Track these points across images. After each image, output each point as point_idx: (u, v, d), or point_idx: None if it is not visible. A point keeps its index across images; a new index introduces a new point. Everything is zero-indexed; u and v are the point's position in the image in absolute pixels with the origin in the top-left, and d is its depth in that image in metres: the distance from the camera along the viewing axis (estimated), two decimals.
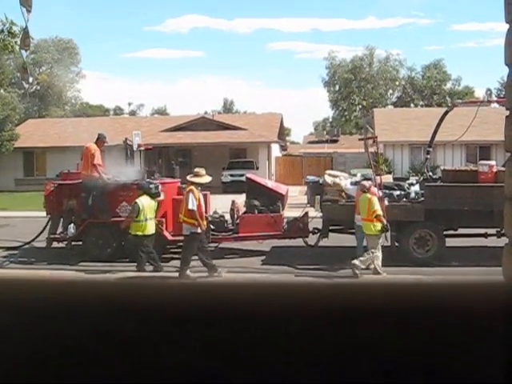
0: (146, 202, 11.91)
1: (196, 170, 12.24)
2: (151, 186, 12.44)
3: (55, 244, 14.15)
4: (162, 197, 12.89)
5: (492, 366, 0.75)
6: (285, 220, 14.25)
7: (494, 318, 0.76)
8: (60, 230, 14.20)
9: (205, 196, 14.67)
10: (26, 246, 14.84)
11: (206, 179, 12.08)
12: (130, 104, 67.32)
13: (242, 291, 0.84)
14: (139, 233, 11.73)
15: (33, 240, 14.66)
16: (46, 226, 14.37)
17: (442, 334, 0.77)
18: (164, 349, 0.78)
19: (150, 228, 11.91)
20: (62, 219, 14.25)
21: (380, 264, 11.53)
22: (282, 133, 46.28)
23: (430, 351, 0.76)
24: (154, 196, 12.24)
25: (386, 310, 0.78)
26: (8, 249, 14.81)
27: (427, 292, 0.82)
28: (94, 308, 0.81)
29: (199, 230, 11.57)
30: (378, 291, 0.82)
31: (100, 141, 13.93)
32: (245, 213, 14.35)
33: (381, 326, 0.76)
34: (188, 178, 12.06)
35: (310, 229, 13.88)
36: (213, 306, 0.80)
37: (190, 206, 11.44)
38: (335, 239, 13.73)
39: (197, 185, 11.81)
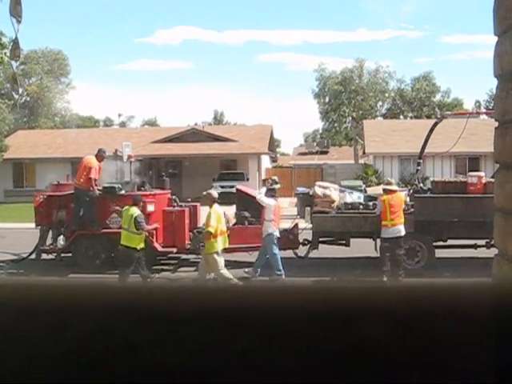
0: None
1: (388, 179, 13.38)
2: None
3: (44, 256, 14.08)
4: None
5: (484, 366, 0.76)
6: None
7: (486, 319, 0.77)
8: (50, 241, 14.15)
9: (195, 207, 14.68)
10: (15, 257, 14.76)
11: (395, 187, 12.88)
12: (120, 115, 67.37)
13: (240, 294, 0.84)
14: None
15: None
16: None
17: (434, 335, 0.77)
18: (162, 351, 0.78)
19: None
20: (50, 231, 14.20)
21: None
22: (272, 144, 46.35)
23: (423, 351, 0.76)
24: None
25: (381, 312, 0.78)
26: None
27: (421, 293, 0.82)
28: (91, 309, 0.81)
29: (384, 235, 12.19)
30: (374, 293, 0.83)
31: (99, 155, 14.00)
32: (235, 224, 14.34)
33: (376, 328, 0.76)
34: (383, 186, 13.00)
35: (300, 240, 13.88)
36: (211, 309, 0.80)
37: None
38: (325, 250, 13.73)
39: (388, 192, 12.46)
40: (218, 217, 10.87)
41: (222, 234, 10.97)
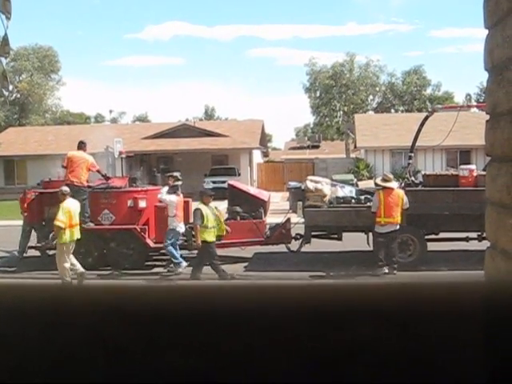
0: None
1: (386, 174, 13.06)
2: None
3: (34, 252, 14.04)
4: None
5: (477, 363, 0.76)
6: (267, 226, 14.25)
7: (479, 318, 0.77)
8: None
9: (186, 203, 14.66)
10: (7, 255, 14.72)
11: (393, 184, 12.61)
12: (111, 111, 67.26)
13: (236, 293, 0.83)
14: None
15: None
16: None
17: (428, 333, 0.77)
18: (159, 352, 0.77)
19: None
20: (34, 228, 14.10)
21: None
22: (264, 139, 46.33)
23: (417, 350, 0.76)
24: None
25: (376, 310, 0.78)
26: None
27: (415, 292, 0.82)
28: (84, 311, 0.81)
29: (379, 230, 12.27)
30: (369, 292, 0.82)
31: (84, 147, 13.95)
32: (227, 219, 14.34)
33: (371, 326, 0.76)
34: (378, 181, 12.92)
35: (293, 235, 13.89)
36: (207, 309, 0.79)
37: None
38: (317, 245, 13.75)
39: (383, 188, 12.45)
40: (66, 211, 11.46)
41: (71, 226, 11.50)
